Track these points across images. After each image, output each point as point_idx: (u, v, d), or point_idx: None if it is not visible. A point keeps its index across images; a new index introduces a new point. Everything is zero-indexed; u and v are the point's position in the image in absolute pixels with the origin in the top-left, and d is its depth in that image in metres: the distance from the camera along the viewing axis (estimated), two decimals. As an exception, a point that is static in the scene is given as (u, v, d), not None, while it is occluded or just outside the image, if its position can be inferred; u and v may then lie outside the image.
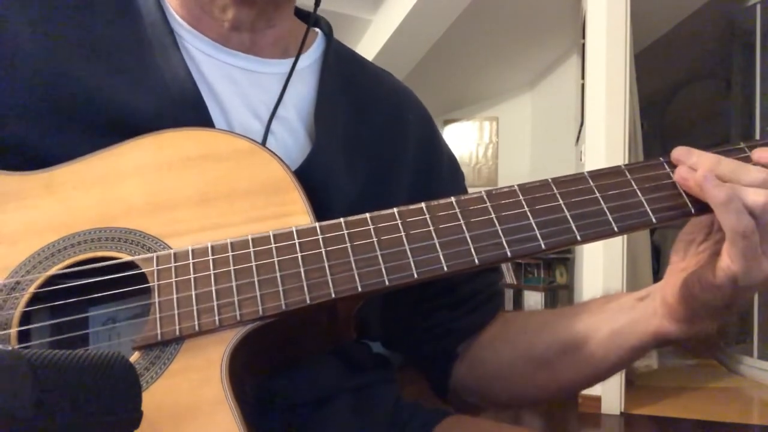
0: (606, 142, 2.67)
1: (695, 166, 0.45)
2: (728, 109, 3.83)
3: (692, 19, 3.71)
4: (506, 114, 4.79)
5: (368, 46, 3.56)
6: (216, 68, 0.55)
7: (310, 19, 0.62)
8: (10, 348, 0.27)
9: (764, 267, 0.43)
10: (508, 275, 3.93)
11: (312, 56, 0.62)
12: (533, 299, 3.79)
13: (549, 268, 3.84)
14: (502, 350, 0.60)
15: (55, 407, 0.27)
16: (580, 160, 3.17)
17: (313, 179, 0.51)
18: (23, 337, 0.41)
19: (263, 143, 0.53)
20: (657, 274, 3.31)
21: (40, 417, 0.26)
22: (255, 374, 0.47)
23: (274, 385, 0.51)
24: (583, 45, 3.02)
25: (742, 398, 2.96)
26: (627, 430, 2.54)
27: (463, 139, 4.88)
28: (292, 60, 0.58)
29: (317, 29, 0.66)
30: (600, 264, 2.66)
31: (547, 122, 4.52)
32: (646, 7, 3.06)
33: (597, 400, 2.65)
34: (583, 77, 3.05)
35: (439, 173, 0.65)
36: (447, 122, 4.94)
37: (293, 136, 0.56)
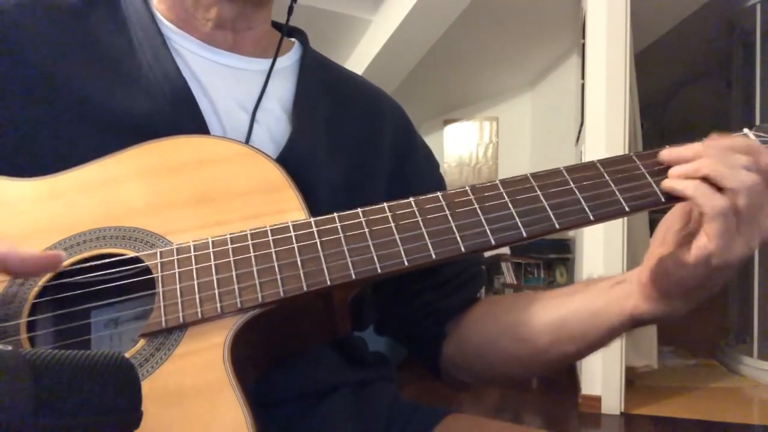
0: (606, 142, 2.67)
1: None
2: (728, 109, 3.83)
3: (692, 19, 3.71)
4: (506, 114, 4.79)
5: (368, 46, 3.57)
6: (203, 65, 0.59)
7: (283, 28, 0.67)
8: (10, 348, 0.28)
9: (739, 247, 0.45)
10: (508, 275, 3.93)
11: (291, 58, 0.66)
12: (533, 299, 3.78)
13: (549, 268, 3.84)
14: (488, 329, 0.63)
15: (55, 407, 0.28)
16: (580, 160, 3.17)
17: (297, 157, 0.54)
18: (30, 328, 0.43)
19: (249, 132, 0.56)
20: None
21: (40, 417, 0.27)
22: (256, 365, 0.49)
23: (274, 378, 0.52)
24: (583, 45, 3.02)
25: (742, 398, 2.96)
26: (627, 430, 2.54)
27: (463, 139, 4.89)
28: (272, 59, 0.62)
29: (293, 39, 0.70)
30: (600, 263, 2.66)
31: (547, 122, 4.52)
32: (646, 7, 3.06)
33: (597, 400, 2.65)
34: (583, 77, 3.05)
35: (416, 160, 0.68)
36: (447, 122, 4.94)
37: (278, 125, 0.59)
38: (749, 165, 0.45)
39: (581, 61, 3.31)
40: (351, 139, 0.63)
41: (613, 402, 2.64)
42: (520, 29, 3.73)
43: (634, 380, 2.95)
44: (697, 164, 0.46)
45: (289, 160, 0.52)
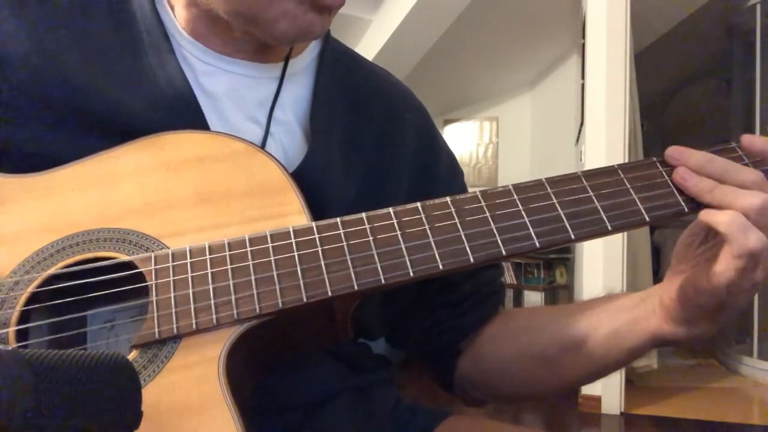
0: (606, 142, 2.67)
1: (688, 165, 0.46)
2: (728, 109, 3.83)
3: (692, 19, 3.71)
4: (506, 114, 4.79)
5: (368, 46, 3.56)
6: (213, 74, 0.55)
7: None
8: (9, 348, 0.27)
9: (758, 275, 0.43)
10: (508, 275, 3.93)
11: (309, 56, 0.61)
12: (533, 299, 3.79)
13: (549, 268, 3.84)
14: (504, 346, 0.61)
15: (55, 408, 0.27)
16: (580, 160, 3.17)
17: (311, 180, 0.51)
18: (21, 336, 0.42)
19: (263, 146, 0.53)
20: (657, 275, 3.30)
21: (39, 417, 0.26)
22: (253, 374, 0.47)
23: (274, 385, 0.51)
24: (583, 45, 3.02)
25: (742, 398, 2.96)
26: (627, 430, 2.54)
27: (463, 139, 4.88)
28: (289, 62, 0.58)
29: None
30: (600, 264, 2.66)
31: (547, 122, 4.52)
32: (646, 7, 3.05)
33: (597, 400, 2.65)
34: (583, 77, 3.05)
35: (438, 172, 0.65)
36: (447, 122, 4.94)
37: (291, 138, 0.56)
38: (754, 183, 0.44)
39: (581, 61, 3.31)
40: (369, 148, 0.59)
41: (613, 402, 2.64)
42: (520, 29, 3.73)
43: (634, 380, 2.96)
44: (722, 193, 0.44)
45: (304, 177, 0.49)
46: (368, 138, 0.60)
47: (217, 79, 0.55)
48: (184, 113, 0.51)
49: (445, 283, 0.61)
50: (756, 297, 3.25)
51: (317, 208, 0.47)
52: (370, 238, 0.44)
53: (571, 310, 0.58)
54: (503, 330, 0.62)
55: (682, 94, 5.35)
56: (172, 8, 0.56)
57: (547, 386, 0.60)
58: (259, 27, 0.51)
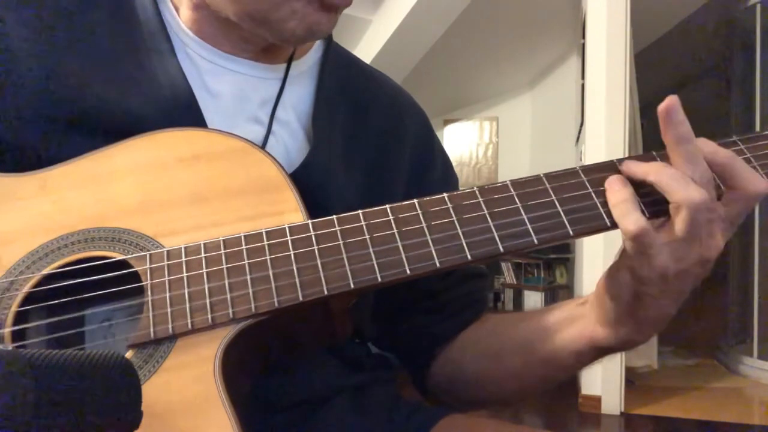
0: (606, 142, 2.67)
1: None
2: (728, 109, 3.82)
3: (692, 19, 3.71)
4: (506, 114, 4.80)
5: (368, 46, 3.56)
6: (218, 73, 0.55)
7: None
8: (9, 348, 0.27)
9: (663, 262, 0.42)
10: (508, 275, 3.93)
11: (312, 59, 0.62)
12: (533, 299, 3.79)
13: (549, 268, 3.84)
14: (467, 351, 0.62)
15: (55, 408, 0.27)
16: (580, 160, 3.17)
17: (311, 180, 0.51)
18: (17, 336, 0.41)
19: (264, 145, 0.54)
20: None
21: (39, 418, 0.26)
22: (250, 373, 0.47)
23: (274, 384, 0.51)
24: (583, 45, 3.02)
25: (742, 398, 2.96)
26: (627, 430, 2.54)
27: (463, 139, 4.88)
28: (292, 64, 0.59)
29: None
30: (600, 264, 2.66)
31: (547, 122, 4.52)
32: (646, 7, 3.05)
33: (597, 400, 2.65)
34: (583, 77, 3.05)
35: (433, 176, 0.65)
36: (447, 122, 4.94)
37: (293, 138, 0.57)
38: (702, 175, 0.42)
39: (581, 61, 3.31)
40: (369, 151, 0.60)
41: (613, 402, 2.64)
42: (520, 29, 3.73)
43: (634, 380, 2.96)
44: (647, 167, 0.44)
45: (305, 177, 0.49)
46: (368, 140, 0.60)
47: (222, 78, 0.55)
48: (183, 113, 0.51)
49: (427, 291, 0.62)
50: (756, 297, 3.24)
51: (319, 208, 0.47)
52: (367, 236, 0.44)
53: (526, 316, 0.58)
54: (471, 336, 0.63)
55: (682, 94, 5.34)
56: (177, 9, 0.56)
57: (504, 390, 0.60)
58: (268, 27, 0.52)
